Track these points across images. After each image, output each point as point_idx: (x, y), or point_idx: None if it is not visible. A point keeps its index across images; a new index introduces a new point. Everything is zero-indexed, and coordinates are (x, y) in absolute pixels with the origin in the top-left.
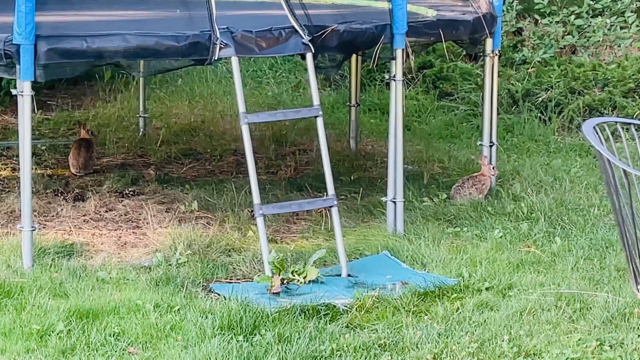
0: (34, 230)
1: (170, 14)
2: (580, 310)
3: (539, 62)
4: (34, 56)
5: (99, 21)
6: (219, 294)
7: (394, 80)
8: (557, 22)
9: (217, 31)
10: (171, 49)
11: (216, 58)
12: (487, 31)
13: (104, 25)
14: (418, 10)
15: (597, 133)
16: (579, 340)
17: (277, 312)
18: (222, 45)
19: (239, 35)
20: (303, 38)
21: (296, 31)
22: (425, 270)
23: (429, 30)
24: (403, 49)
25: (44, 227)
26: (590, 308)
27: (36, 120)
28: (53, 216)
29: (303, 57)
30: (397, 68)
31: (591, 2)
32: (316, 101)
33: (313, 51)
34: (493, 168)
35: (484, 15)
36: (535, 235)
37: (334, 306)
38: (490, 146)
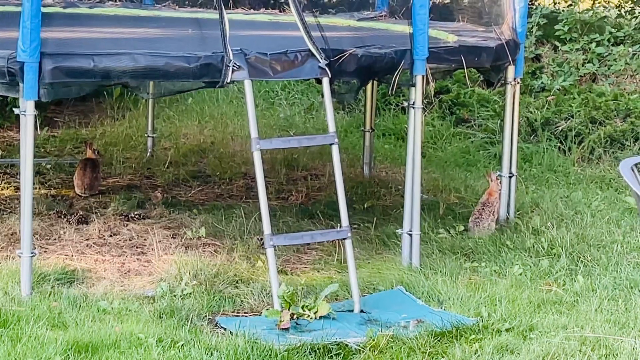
0: (33, 256)
1: (182, 33)
2: (605, 357)
3: (558, 90)
4: (38, 75)
5: (106, 39)
6: (225, 329)
7: (413, 107)
8: (577, 50)
9: (230, 53)
10: (181, 70)
11: (228, 81)
12: (510, 58)
13: (111, 44)
14: (438, 35)
15: (635, 173)
16: None
17: (286, 350)
18: (235, 68)
19: (252, 58)
20: (320, 62)
21: (312, 54)
22: (441, 308)
23: (450, 56)
24: (423, 76)
25: (45, 252)
26: (617, 355)
27: (42, 137)
28: (55, 239)
29: (319, 81)
30: (416, 95)
31: (613, 30)
32: (332, 128)
33: (330, 76)
34: (499, 182)
35: (507, 41)
36: (556, 272)
37: (346, 345)
38: (510, 177)
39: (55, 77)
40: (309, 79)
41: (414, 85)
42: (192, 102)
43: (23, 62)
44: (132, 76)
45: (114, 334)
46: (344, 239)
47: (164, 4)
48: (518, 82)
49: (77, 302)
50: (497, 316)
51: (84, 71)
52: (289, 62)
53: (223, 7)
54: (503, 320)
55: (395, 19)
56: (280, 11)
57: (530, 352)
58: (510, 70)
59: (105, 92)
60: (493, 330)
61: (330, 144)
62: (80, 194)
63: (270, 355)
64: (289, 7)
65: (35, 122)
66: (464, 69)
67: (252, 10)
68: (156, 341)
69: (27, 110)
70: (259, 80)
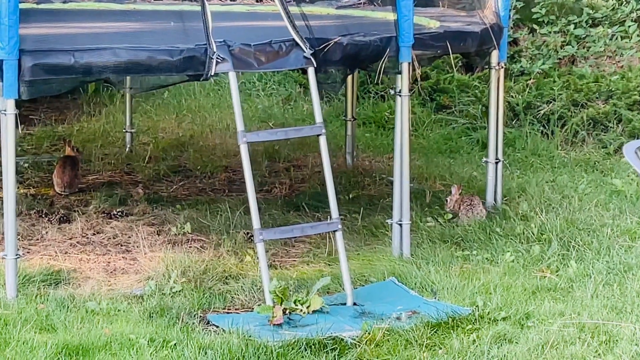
0: (18, 257)
1: (164, 26)
2: (606, 343)
3: (539, 73)
4: (18, 72)
5: (87, 34)
6: (217, 326)
7: (400, 95)
8: (556, 32)
9: (213, 45)
10: (164, 63)
11: (213, 73)
12: (495, 43)
13: (92, 39)
14: (419, 21)
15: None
16: None
17: (281, 346)
18: (219, 60)
19: (236, 49)
20: (304, 52)
21: (297, 44)
22: (436, 298)
23: (435, 42)
24: (409, 63)
25: (28, 252)
26: (617, 340)
27: (18, 135)
28: (37, 239)
29: (304, 71)
30: (403, 82)
31: (590, 11)
32: (319, 118)
33: (315, 65)
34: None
35: (491, 26)
36: (548, 258)
37: (342, 339)
38: (496, 163)
39: (35, 74)
40: (294, 70)
41: (400, 72)
42: (168, 96)
43: (2, 59)
44: (114, 71)
45: (104, 336)
46: (334, 231)
47: None
48: (502, 67)
49: (64, 304)
50: (493, 305)
51: (64, 67)
52: (274, 52)
53: None
54: (499, 309)
55: (375, 5)
56: (256, 1)
57: (529, 340)
58: (495, 54)
59: (80, 88)
60: (489, 319)
61: (318, 135)
62: (60, 192)
63: (265, 352)
64: None
65: (17, 121)
66: (449, 54)
67: (228, 1)
68: (148, 341)
69: (7, 109)
70: (243, 72)
